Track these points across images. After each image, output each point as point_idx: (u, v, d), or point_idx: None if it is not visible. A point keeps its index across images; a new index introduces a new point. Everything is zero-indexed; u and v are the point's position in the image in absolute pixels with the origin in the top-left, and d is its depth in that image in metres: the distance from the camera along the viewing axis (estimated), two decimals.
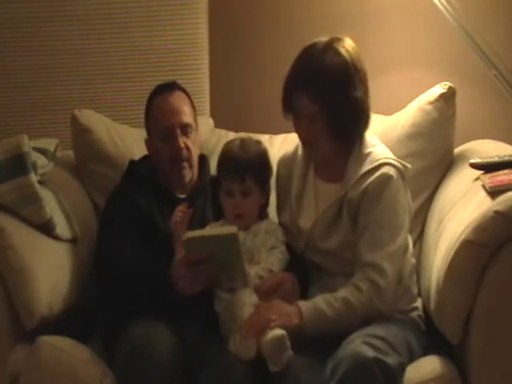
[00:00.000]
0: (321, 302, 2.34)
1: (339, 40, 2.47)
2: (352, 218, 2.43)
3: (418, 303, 2.52)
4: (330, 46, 2.45)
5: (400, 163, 2.47)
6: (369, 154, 2.47)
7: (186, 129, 2.68)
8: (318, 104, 2.42)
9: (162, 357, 2.28)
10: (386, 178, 2.42)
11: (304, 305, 2.34)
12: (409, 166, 2.50)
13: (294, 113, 2.48)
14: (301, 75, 2.45)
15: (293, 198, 2.56)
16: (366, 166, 2.44)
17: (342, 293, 2.35)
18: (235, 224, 2.49)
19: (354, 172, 2.46)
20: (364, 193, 2.41)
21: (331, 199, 2.47)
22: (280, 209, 2.64)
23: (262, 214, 2.58)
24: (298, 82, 2.45)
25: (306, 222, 2.52)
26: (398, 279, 2.40)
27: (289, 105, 2.48)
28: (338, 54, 2.44)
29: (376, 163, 2.44)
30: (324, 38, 2.47)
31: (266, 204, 2.59)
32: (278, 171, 2.65)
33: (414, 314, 2.49)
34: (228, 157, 2.54)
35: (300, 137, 2.52)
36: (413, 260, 2.54)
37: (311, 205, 2.54)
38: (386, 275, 2.35)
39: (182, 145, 2.66)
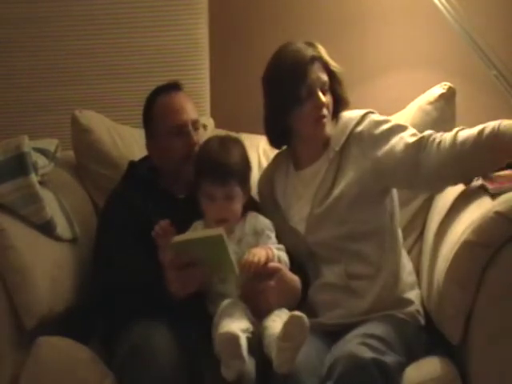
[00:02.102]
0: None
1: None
2: (357, 166, 2.47)
3: (416, 295, 2.51)
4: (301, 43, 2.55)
5: None
6: (344, 114, 2.55)
7: (196, 124, 2.68)
8: (327, 72, 2.52)
9: (161, 357, 2.27)
10: (375, 113, 2.51)
11: None
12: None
13: (310, 90, 2.48)
14: (308, 51, 2.50)
15: (282, 199, 2.58)
16: (350, 121, 2.51)
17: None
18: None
19: (340, 130, 2.52)
20: (360, 135, 2.48)
21: (325, 163, 2.51)
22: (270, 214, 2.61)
23: (246, 211, 2.52)
24: (313, 56, 2.50)
25: (298, 222, 2.52)
26: None
27: (301, 86, 2.48)
28: (316, 44, 2.56)
29: (359, 113, 2.52)
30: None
31: (248, 201, 2.53)
32: (259, 192, 2.68)
33: (413, 308, 2.47)
34: (209, 159, 2.47)
35: (321, 112, 2.50)
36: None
37: (300, 202, 2.53)
38: None
39: (196, 141, 2.65)
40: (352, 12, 3.16)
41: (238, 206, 2.46)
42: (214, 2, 3.19)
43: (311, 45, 2.54)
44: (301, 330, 2.20)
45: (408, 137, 2.44)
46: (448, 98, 2.84)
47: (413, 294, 2.51)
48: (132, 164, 2.78)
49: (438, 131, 2.79)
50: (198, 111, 2.75)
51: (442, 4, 2.88)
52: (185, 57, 3.19)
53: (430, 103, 2.84)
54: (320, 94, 2.48)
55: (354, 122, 2.51)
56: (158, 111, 2.70)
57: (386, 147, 2.44)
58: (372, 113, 2.53)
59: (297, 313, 2.23)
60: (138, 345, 2.29)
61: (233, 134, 3.01)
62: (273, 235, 2.48)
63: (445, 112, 2.84)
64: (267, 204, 2.64)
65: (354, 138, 2.50)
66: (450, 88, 2.84)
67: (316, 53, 2.51)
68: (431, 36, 3.15)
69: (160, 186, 2.69)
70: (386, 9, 3.15)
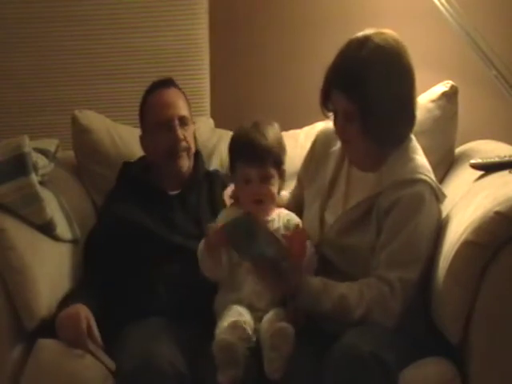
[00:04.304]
0: (321, 293, 2.30)
1: (381, 33, 2.37)
2: (378, 226, 2.37)
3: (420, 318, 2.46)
4: (370, 40, 2.35)
5: (438, 187, 2.41)
6: (412, 159, 2.40)
7: (183, 120, 2.71)
8: (353, 102, 2.34)
9: (166, 374, 2.24)
10: (421, 198, 2.34)
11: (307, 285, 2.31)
12: (446, 194, 2.44)
13: (331, 108, 2.41)
14: (337, 71, 2.37)
15: (327, 181, 2.50)
16: (406, 173, 2.37)
17: (343, 289, 2.31)
18: (254, 210, 2.42)
19: (393, 172, 2.38)
20: (395, 204, 2.34)
21: (362, 194, 2.41)
22: (306, 186, 2.57)
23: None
24: (335, 79, 2.37)
25: (330, 214, 2.47)
26: (405, 305, 2.33)
27: (326, 100, 2.41)
28: (378, 47, 2.34)
29: (416, 175, 2.36)
30: (365, 32, 2.39)
31: (281, 188, 2.52)
32: (314, 145, 2.59)
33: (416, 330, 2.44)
34: (245, 140, 2.46)
35: (336, 133, 2.45)
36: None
37: (339, 196, 2.48)
38: (396, 298, 2.30)
39: (181, 136, 2.69)
40: (353, 12, 3.16)
41: (273, 187, 2.46)
42: (214, 2, 3.19)
43: (363, 60, 2.32)
44: (286, 340, 2.25)
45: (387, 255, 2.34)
46: (450, 96, 2.84)
47: (418, 322, 2.45)
48: (125, 164, 2.80)
49: (440, 129, 2.81)
50: (189, 109, 2.77)
51: (442, 4, 2.89)
52: (185, 57, 3.19)
53: (433, 101, 2.85)
54: (339, 121, 2.38)
55: (407, 177, 2.36)
56: (147, 106, 2.76)
57: (386, 231, 2.36)
58: (430, 186, 2.37)
59: (282, 324, 2.26)
60: (141, 365, 2.24)
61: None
62: None
63: (447, 110, 2.84)
64: (311, 167, 2.58)
65: (395, 189, 2.36)
66: (452, 86, 2.85)
67: (347, 81, 2.33)
68: (431, 36, 3.14)
69: (152, 183, 2.70)
70: (387, 9, 3.15)
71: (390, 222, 2.35)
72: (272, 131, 2.47)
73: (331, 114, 2.45)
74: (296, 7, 3.22)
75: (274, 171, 2.45)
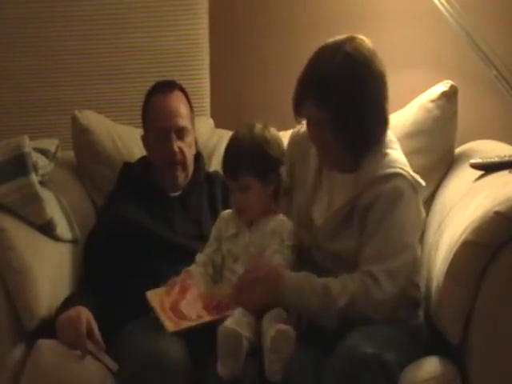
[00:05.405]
0: (304, 285, 2.31)
1: (351, 40, 2.36)
2: (360, 224, 2.37)
3: (420, 313, 2.48)
4: (340, 48, 2.34)
5: (414, 179, 2.39)
6: (386, 154, 2.40)
7: (181, 132, 2.69)
8: (325, 112, 2.33)
9: (175, 369, 2.24)
10: (399, 192, 2.34)
11: (289, 278, 2.32)
12: (423, 183, 2.43)
13: (304, 115, 2.41)
14: (308, 81, 2.36)
15: (310, 182, 2.49)
16: (382, 169, 2.37)
17: (325, 280, 2.32)
18: (238, 218, 2.46)
19: (369, 170, 2.38)
20: (375, 200, 2.34)
21: (344, 196, 2.41)
22: (295, 191, 2.55)
23: (276, 201, 2.51)
24: (306, 88, 2.36)
25: (317, 216, 2.47)
26: (396, 296, 2.33)
27: (299, 108, 2.40)
28: (348, 56, 2.33)
29: (392, 170, 2.36)
30: (336, 38, 2.38)
31: (276, 191, 2.49)
32: (290, 150, 2.56)
33: (417, 321, 2.46)
34: (224, 153, 2.49)
35: (310, 140, 2.45)
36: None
37: (324, 197, 2.48)
38: (381, 288, 2.29)
39: (177, 149, 2.68)
40: (352, 12, 3.16)
41: (254, 197, 2.44)
42: (214, 2, 3.19)
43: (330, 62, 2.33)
44: (287, 343, 2.24)
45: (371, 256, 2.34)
46: (450, 96, 2.84)
47: (417, 311, 2.46)
48: (126, 164, 2.80)
49: (439, 129, 2.81)
50: (191, 115, 2.76)
51: (442, 4, 2.89)
52: (185, 57, 3.19)
53: (432, 101, 2.84)
54: (312, 128, 2.38)
55: (383, 172, 2.36)
56: (149, 110, 2.75)
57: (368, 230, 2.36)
58: (405, 178, 2.36)
59: (283, 326, 2.25)
60: (150, 359, 2.24)
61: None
62: (288, 242, 2.44)
63: (447, 110, 2.84)
64: (296, 164, 2.56)
65: (373, 187, 2.36)
66: (452, 86, 2.84)
67: (318, 90, 2.32)
68: (431, 36, 3.14)
69: (153, 184, 2.71)
70: (387, 9, 3.15)
71: (371, 218, 2.35)
72: (252, 139, 2.44)
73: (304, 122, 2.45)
74: (296, 7, 3.21)
75: (251, 181, 2.43)
